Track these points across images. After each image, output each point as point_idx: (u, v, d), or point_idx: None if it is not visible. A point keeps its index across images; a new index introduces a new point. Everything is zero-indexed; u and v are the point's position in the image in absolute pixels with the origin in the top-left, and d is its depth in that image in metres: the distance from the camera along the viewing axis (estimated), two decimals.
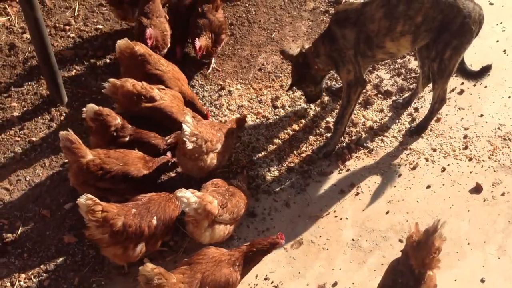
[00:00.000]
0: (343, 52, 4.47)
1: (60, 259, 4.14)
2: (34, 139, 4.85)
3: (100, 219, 3.58)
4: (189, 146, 3.97)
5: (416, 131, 4.95)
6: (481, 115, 5.12)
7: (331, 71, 4.94)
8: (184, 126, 3.96)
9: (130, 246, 3.75)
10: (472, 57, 5.35)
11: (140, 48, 4.69)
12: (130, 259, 3.83)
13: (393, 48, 4.43)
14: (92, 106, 4.24)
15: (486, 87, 5.32)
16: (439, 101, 4.74)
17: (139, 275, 3.36)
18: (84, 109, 4.28)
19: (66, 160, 4.70)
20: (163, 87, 4.62)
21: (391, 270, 3.52)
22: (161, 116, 4.46)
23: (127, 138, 4.33)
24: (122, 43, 4.62)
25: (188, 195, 3.64)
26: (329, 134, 4.92)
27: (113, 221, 3.63)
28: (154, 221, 3.82)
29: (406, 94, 5.26)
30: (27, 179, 4.60)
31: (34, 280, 4.03)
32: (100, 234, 3.65)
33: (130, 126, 4.37)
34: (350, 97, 4.60)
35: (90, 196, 3.58)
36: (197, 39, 5.06)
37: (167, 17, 5.36)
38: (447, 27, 4.24)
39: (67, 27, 5.73)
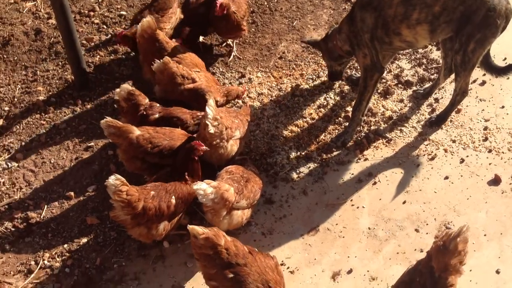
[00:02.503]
0: (359, 35, 4.50)
1: (83, 240, 4.27)
2: (58, 122, 4.97)
3: (126, 200, 3.69)
4: (211, 129, 4.02)
5: (436, 122, 4.94)
6: (502, 107, 5.08)
7: (351, 59, 4.96)
8: (207, 109, 4.00)
9: (153, 226, 3.87)
10: (495, 47, 5.25)
11: (159, 33, 4.76)
12: (155, 237, 3.95)
13: (409, 36, 4.41)
14: (126, 86, 4.37)
15: (508, 78, 5.23)
16: (461, 93, 4.71)
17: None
18: (117, 89, 4.39)
19: (90, 144, 4.82)
20: (197, 69, 4.70)
21: (412, 268, 3.52)
22: (199, 97, 4.51)
23: (157, 115, 4.42)
24: (145, 21, 4.67)
25: (204, 187, 3.70)
26: (348, 123, 4.95)
27: (135, 204, 3.74)
28: (173, 200, 3.92)
29: (427, 85, 5.24)
30: (52, 161, 4.73)
31: (58, 259, 4.16)
32: (124, 216, 3.76)
33: (158, 104, 4.47)
34: (367, 83, 4.62)
35: (118, 176, 3.68)
36: None
37: (181, 16, 5.37)
38: (470, 19, 4.19)
39: (92, 13, 5.82)
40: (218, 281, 3.54)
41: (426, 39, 4.46)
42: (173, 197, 3.93)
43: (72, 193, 4.51)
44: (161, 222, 3.90)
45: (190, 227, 3.49)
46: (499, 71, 4.71)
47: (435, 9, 4.22)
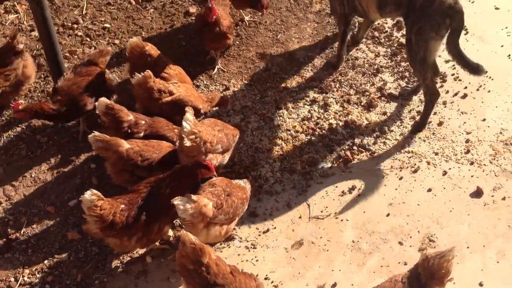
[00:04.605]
0: None
1: (64, 256, 4.20)
2: (40, 136, 4.91)
3: (99, 215, 3.66)
4: (187, 143, 4.02)
5: (416, 128, 4.98)
6: (484, 120, 5.14)
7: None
8: (184, 123, 3.99)
9: (124, 238, 3.81)
10: (476, 61, 5.35)
11: (150, 49, 4.76)
12: (129, 248, 3.94)
13: (363, 2, 4.69)
14: (104, 100, 4.29)
15: (489, 91, 5.33)
16: (428, 93, 4.78)
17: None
18: (96, 103, 4.32)
19: (72, 158, 4.77)
20: (175, 81, 4.69)
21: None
22: (181, 107, 4.43)
23: (142, 134, 4.36)
24: (133, 41, 4.73)
25: (183, 202, 3.67)
26: (332, 136, 4.98)
27: (107, 217, 3.70)
28: (143, 216, 3.83)
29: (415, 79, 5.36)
30: (33, 175, 4.66)
31: (38, 275, 4.09)
32: (96, 229, 3.74)
33: (143, 122, 4.39)
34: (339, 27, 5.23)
35: (94, 191, 3.65)
36: None
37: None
38: (413, 8, 4.40)
39: (75, 26, 5.78)
40: None
41: (376, 14, 4.72)
42: (144, 212, 3.85)
43: (52, 208, 4.45)
44: (133, 235, 3.82)
45: (184, 232, 3.46)
46: (472, 68, 4.63)
47: None
